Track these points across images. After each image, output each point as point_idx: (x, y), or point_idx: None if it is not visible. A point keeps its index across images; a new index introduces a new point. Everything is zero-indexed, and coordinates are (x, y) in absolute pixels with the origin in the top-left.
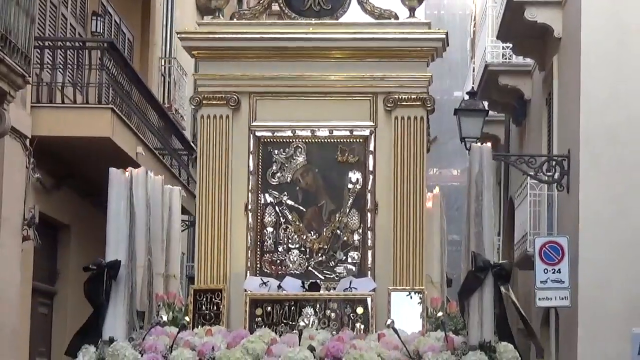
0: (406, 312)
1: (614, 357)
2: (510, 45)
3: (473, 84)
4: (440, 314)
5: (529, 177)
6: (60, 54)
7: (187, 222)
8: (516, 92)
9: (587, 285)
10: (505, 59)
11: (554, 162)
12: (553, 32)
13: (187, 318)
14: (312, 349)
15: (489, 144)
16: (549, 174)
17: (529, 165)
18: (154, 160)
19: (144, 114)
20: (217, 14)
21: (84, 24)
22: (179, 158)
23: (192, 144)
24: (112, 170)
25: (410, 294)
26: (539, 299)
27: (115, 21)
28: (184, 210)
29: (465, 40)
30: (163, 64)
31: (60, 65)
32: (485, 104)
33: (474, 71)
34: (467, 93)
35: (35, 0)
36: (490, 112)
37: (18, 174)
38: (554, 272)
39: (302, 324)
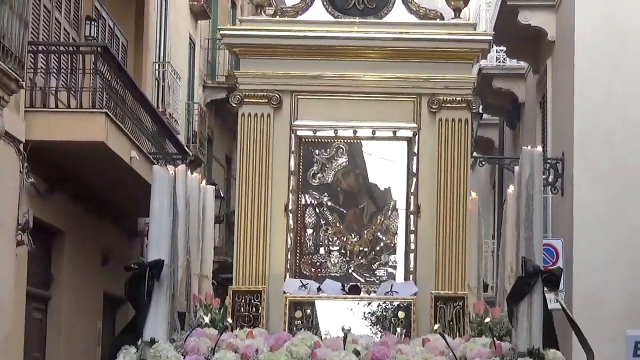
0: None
1: (609, 359)
2: (504, 48)
3: None
4: (487, 319)
5: None
6: (54, 59)
7: None
8: (510, 95)
9: (582, 287)
10: (499, 62)
11: (548, 165)
12: (547, 35)
13: (229, 320)
14: (357, 352)
15: (539, 148)
16: (543, 176)
17: None
18: (148, 165)
19: (138, 118)
20: (258, 11)
21: (77, 29)
22: (173, 162)
23: (186, 148)
24: (156, 168)
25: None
26: None
27: (109, 25)
28: None
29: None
30: (157, 68)
31: (54, 70)
32: (480, 107)
33: None
34: None
35: (28, 4)
36: (485, 115)
37: (12, 178)
38: None
39: (346, 327)
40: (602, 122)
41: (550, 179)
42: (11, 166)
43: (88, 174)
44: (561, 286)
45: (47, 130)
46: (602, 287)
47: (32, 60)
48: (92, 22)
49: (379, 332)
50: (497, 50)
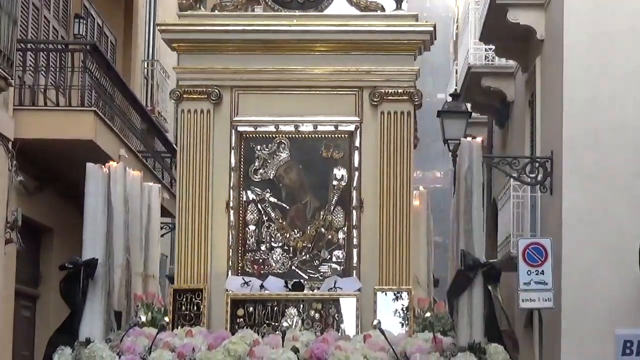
0: (392, 313)
1: (598, 358)
2: (493, 47)
3: (456, 86)
4: (428, 314)
5: (512, 179)
6: (42, 57)
7: (169, 225)
8: (499, 94)
9: (571, 286)
10: (488, 60)
11: (537, 164)
12: (536, 34)
13: (166, 319)
14: (295, 350)
15: (478, 139)
16: (532, 175)
17: (512, 167)
18: (137, 163)
19: (127, 116)
20: (197, 5)
21: (66, 27)
22: (162, 161)
23: (175, 146)
24: (89, 165)
25: (396, 294)
26: (522, 300)
27: (97, 23)
28: (166, 213)
29: (448, 42)
30: (146, 66)
31: (43, 68)
32: (469, 105)
33: (456, 73)
34: (450, 95)
35: (17, 2)
36: (473, 114)
37: (0, 176)
38: (537, 274)
39: (285, 324)
40: (590, 121)
41: (539, 178)
42: (0, 164)
43: (77, 172)
44: (550, 285)
45: (35, 128)
46: (591, 286)
47: (21, 58)
48: (81, 20)
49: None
50: (485, 49)
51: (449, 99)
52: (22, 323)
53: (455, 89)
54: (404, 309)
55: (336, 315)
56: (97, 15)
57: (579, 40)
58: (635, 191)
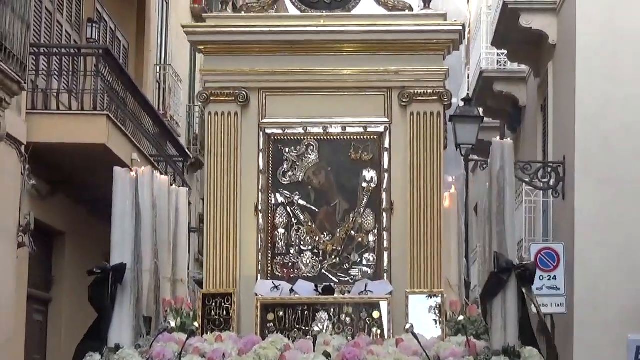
0: (424, 316)
1: None
2: (505, 51)
3: (468, 90)
4: (461, 317)
5: (524, 184)
6: (55, 61)
7: None
8: (511, 98)
9: (583, 291)
10: (500, 65)
11: (549, 169)
12: (548, 38)
13: (195, 324)
14: (327, 355)
15: (510, 140)
16: (544, 180)
17: (524, 172)
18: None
19: (139, 120)
20: (223, 7)
21: (79, 31)
22: (174, 165)
23: (187, 150)
24: (117, 170)
25: (429, 297)
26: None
27: (110, 28)
28: None
29: (460, 47)
30: (158, 70)
31: (56, 72)
32: (481, 110)
33: (468, 78)
34: (462, 100)
35: (30, 6)
36: (486, 119)
37: (13, 180)
38: (549, 279)
39: (316, 329)
40: (602, 126)
41: (551, 183)
42: (12, 168)
43: (89, 176)
44: (562, 290)
45: (48, 132)
46: (603, 291)
47: (34, 63)
48: (94, 24)
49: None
50: (498, 54)
51: (461, 103)
52: (34, 327)
53: (468, 94)
54: (436, 312)
55: (367, 319)
56: (109, 20)
57: (591, 44)
58: None
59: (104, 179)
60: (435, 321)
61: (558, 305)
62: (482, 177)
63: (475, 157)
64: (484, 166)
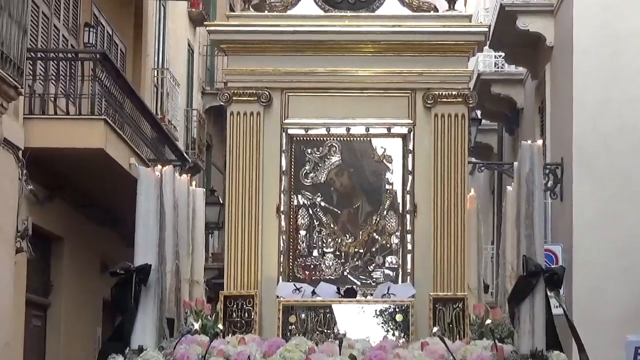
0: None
1: None
2: (503, 54)
3: None
4: (488, 321)
5: None
6: (52, 65)
7: None
8: (509, 100)
9: (582, 292)
10: (498, 67)
11: (547, 171)
12: (545, 40)
13: (220, 326)
14: (352, 358)
15: (539, 142)
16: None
17: None
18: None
19: (137, 125)
20: (246, 6)
21: (76, 35)
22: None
23: (185, 154)
24: (142, 169)
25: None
26: None
27: (107, 32)
28: None
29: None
30: (156, 74)
31: (53, 77)
32: (479, 112)
33: None
34: None
35: (27, 11)
36: (483, 121)
37: (11, 185)
38: None
39: (342, 331)
40: (600, 127)
41: (549, 185)
42: (10, 173)
43: (87, 181)
44: (561, 290)
45: (46, 137)
46: (602, 292)
47: (31, 67)
48: (91, 29)
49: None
50: (495, 56)
51: None
52: (32, 332)
53: None
54: (460, 315)
55: (390, 322)
56: (107, 24)
57: (588, 46)
58: None
59: (102, 184)
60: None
61: (556, 307)
62: (480, 179)
63: (473, 160)
64: (482, 168)
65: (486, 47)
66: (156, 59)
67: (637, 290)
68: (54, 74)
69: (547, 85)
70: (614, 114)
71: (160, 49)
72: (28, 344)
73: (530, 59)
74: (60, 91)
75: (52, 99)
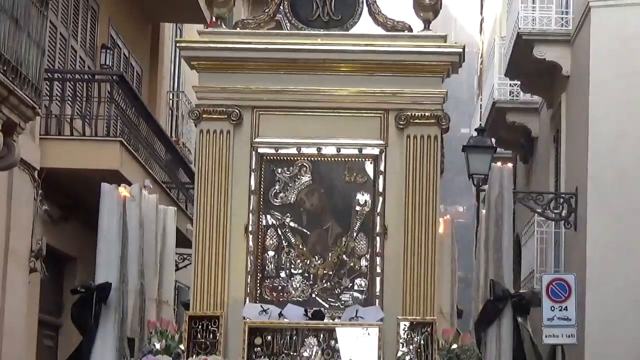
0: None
1: None
2: (518, 82)
3: (480, 120)
4: (454, 346)
5: (536, 214)
6: (69, 86)
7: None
8: (524, 129)
9: (594, 323)
10: (513, 96)
11: (561, 200)
12: (561, 69)
13: (181, 346)
14: None
15: (509, 165)
16: (556, 211)
17: (537, 202)
18: (161, 194)
19: (152, 147)
20: (219, 23)
21: (93, 57)
22: (187, 192)
23: None
24: (105, 186)
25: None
26: (546, 336)
27: (124, 54)
28: (188, 244)
29: (472, 77)
30: (171, 97)
31: (69, 98)
32: (493, 140)
33: (481, 108)
34: (475, 130)
35: (45, 32)
36: (498, 149)
37: (26, 205)
38: (560, 310)
39: (305, 354)
40: (615, 158)
41: (563, 214)
42: (25, 193)
43: None
44: (573, 321)
45: (61, 157)
46: (614, 323)
47: (48, 88)
48: (108, 51)
49: None
50: (511, 84)
51: (474, 133)
52: (44, 352)
53: (480, 124)
54: (428, 340)
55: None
56: (123, 46)
57: (605, 76)
58: None
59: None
60: (424, 350)
61: (569, 337)
62: None
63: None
64: None
65: (502, 75)
66: (171, 81)
67: None
68: (70, 95)
69: (563, 114)
70: (630, 145)
71: (176, 71)
72: None
73: (546, 87)
74: (77, 112)
75: (69, 120)
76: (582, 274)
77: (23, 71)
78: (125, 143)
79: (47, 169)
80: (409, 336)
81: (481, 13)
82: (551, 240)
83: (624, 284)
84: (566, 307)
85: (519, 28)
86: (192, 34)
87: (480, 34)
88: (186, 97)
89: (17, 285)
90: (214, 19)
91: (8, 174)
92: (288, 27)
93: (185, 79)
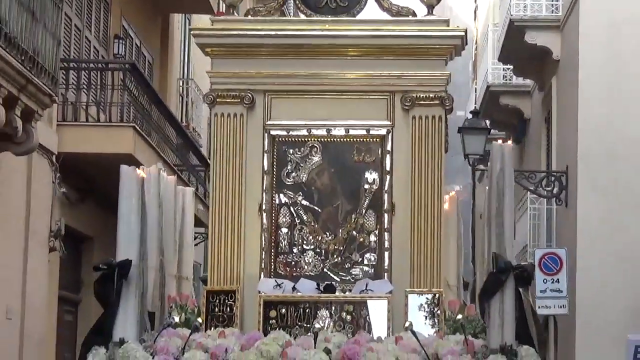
0: (423, 315)
1: None
2: (511, 67)
3: (475, 103)
4: (459, 316)
5: (529, 192)
6: (84, 75)
7: (203, 235)
8: (516, 111)
9: (584, 294)
10: (506, 80)
11: (553, 178)
12: (552, 54)
13: (199, 319)
14: (327, 351)
15: (510, 142)
16: (548, 189)
17: (529, 181)
18: (172, 176)
19: (164, 132)
20: (231, 11)
21: (106, 47)
22: (197, 174)
23: (208, 160)
24: (124, 168)
25: (427, 296)
26: (539, 307)
27: (135, 44)
28: (200, 223)
29: (468, 62)
30: (181, 84)
31: (85, 86)
32: (487, 122)
33: (476, 92)
34: (470, 112)
35: (60, 23)
36: (492, 131)
37: (45, 188)
38: (552, 282)
39: (317, 326)
40: (604, 137)
41: (555, 191)
42: (44, 177)
43: (116, 184)
44: (564, 292)
45: (78, 142)
46: (604, 294)
47: (64, 77)
48: (120, 41)
49: None
50: (504, 69)
51: (469, 116)
52: (64, 327)
53: (475, 107)
54: (435, 311)
55: (367, 317)
56: (135, 36)
57: (593, 59)
58: None
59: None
60: (433, 320)
61: (560, 307)
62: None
63: (482, 167)
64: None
65: (495, 60)
66: (181, 69)
67: (639, 291)
68: (85, 83)
69: (554, 97)
70: (618, 125)
71: (186, 60)
72: (60, 338)
73: (538, 71)
74: (92, 99)
75: (84, 106)
76: (573, 248)
77: (40, 61)
78: (138, 128)
79: (64, 153)
80: (416, 308)
81: (475, 1)
82: (543, 217)
83: (613, 257)
84: (558, 279)
85: (511, 15)
86: (200, 24)
87: (475, 21)
88: (195, 84)
89: (38, 264)
90: (223, 8)
91: (27, 159)
92: (292, 16)
93: (195, 66)
